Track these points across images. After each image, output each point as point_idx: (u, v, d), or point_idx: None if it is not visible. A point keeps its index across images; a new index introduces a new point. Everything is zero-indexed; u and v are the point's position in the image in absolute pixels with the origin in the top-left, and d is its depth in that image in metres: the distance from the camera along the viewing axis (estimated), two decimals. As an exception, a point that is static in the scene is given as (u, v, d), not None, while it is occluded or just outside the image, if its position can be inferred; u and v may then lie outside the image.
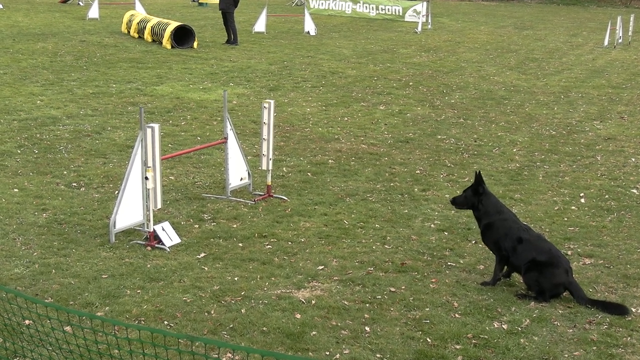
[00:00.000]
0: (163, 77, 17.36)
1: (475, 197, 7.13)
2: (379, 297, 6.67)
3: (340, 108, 14.55)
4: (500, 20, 36.47)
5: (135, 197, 7.75)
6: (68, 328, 5.58)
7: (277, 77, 17.81)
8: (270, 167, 9.28)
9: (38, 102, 14.19)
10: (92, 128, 12.34)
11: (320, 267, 7.26)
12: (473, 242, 7.98)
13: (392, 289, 6.82)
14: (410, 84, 17.38)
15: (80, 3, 38.71)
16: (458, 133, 12.80)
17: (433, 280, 7.06)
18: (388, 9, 34.81)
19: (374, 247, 7.81)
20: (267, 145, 9.15)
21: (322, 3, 37.47)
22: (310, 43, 24.55)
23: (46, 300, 6.32)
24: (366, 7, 35.61)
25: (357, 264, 7.38)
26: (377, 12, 35.07)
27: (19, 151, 10.84)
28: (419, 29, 29.32)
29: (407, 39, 26.78)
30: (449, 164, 10.94)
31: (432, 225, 8.48)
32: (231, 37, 23.73)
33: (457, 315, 6.38)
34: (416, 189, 9.75)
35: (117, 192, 8.83)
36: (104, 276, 6.90)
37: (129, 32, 25.38)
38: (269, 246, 7.76)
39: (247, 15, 31.99)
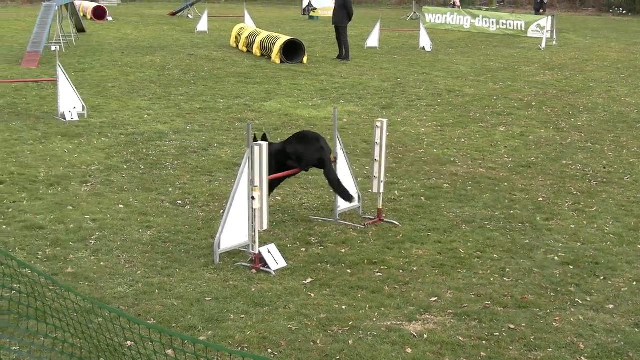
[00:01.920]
0: (271, 92, 17.61)
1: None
2: (497, 334, 6.51)
3: (457, 129, 14.40)
4: (633, 36, 35.43)
5: (241, 217, 7.84)
6: (170, 352, 5.67)
7: (390, 94, 17.80)
8: (382, 190, 9.24)
9: (145, 116, 14.62)
10: (199, 144, 12.61)
11: (434, 299, 7.15)
12: (602, 277, 7.71)
13: (511, 326, 6.65)
14: (533, 104, 17.05)
15: (190, 16, 39.87)
16: (585, 158, 12.45)
17: (556, 318, 6.85)
18: (509, 24, 34.36)
19: (491, 279, 7.65)
20: (379, 167, 9.12)
21: (438, 17, 37.35)
22: (426, 59, 24.45)
23: (149, 322, 6.45)
24: (486, 21, 35.25)
25: (473, 296, 7.24)
26: (498, 26, 34.65)
27: (125, 166, 11.18)
28: (543, 45, 28.80)
29: (530, 55, 26.34)
30: (575, 192, 10.63)
31: (556, 258, 8.24)
32: (343, 53, 23.90)
33: (583, 358, 6.16)
34: (538, 218, 9.51)
35: (222, 211, 8.97)
36: (207, 299, 7.00)
37: (237, 46, 25.93)
38: (379, 274, 7.71)
39: (360, 29, 32.17)
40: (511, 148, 13.04)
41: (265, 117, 14.85)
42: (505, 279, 7.68)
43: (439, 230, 9.01)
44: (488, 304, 7.07)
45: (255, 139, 8.42)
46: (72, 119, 14.12)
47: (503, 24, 34.52)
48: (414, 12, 41.52)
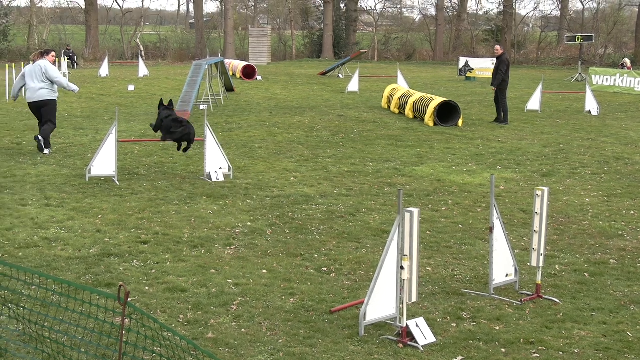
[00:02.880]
0: (424, 156, 17.67)
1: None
2: None
3: (626, 199, 13.97)
4: None
5: (389, 288, 7.85)
6: None
7: (551, 161, 17.50)
8: (541, 264, 9.05)
9: (292, 178, 14.95)
10: (346, 209, 12.75)
11: (597, 386, 6.90)
12: None
13: (686, 421, 6.32)
14: None
15: (340, 76, 40.73)
16: None
17: None
18: (687, 87, 33.25)
19: (663, 368, 7.31)
20: (539, 239, 8.95)
21: (606, 79, 36.59)
22: (592, 124, 23.96)
23: (289, 393, 6.52)
24: (660, 84, 34.24)
25: (642, 385, 6.95)
26: (674, 89, 33.58)
27: (269, 230, 11.43)
28: None
29: None
30: None
31: None
32: (501, 116, 23.76)
33: None
34: None
35: (369, 280, 9.01)
36: (350, 372, 7.01)
37: (389, 107, 26.23)
38: (536, 354, 7.52)
39: (520, 91, 31.93)
40: (688, 223, 12.51)
41: (416, 182, 14.89)
42: (679, 367, 7.33)
43: (604, 310, 8.71)
44: (659, 395, 6.76)
45: (161, 102, 14.39)
46: (217, 179, 14.63)
47: (679, 87, 33.46)
48: (580, 74, 40.86)
